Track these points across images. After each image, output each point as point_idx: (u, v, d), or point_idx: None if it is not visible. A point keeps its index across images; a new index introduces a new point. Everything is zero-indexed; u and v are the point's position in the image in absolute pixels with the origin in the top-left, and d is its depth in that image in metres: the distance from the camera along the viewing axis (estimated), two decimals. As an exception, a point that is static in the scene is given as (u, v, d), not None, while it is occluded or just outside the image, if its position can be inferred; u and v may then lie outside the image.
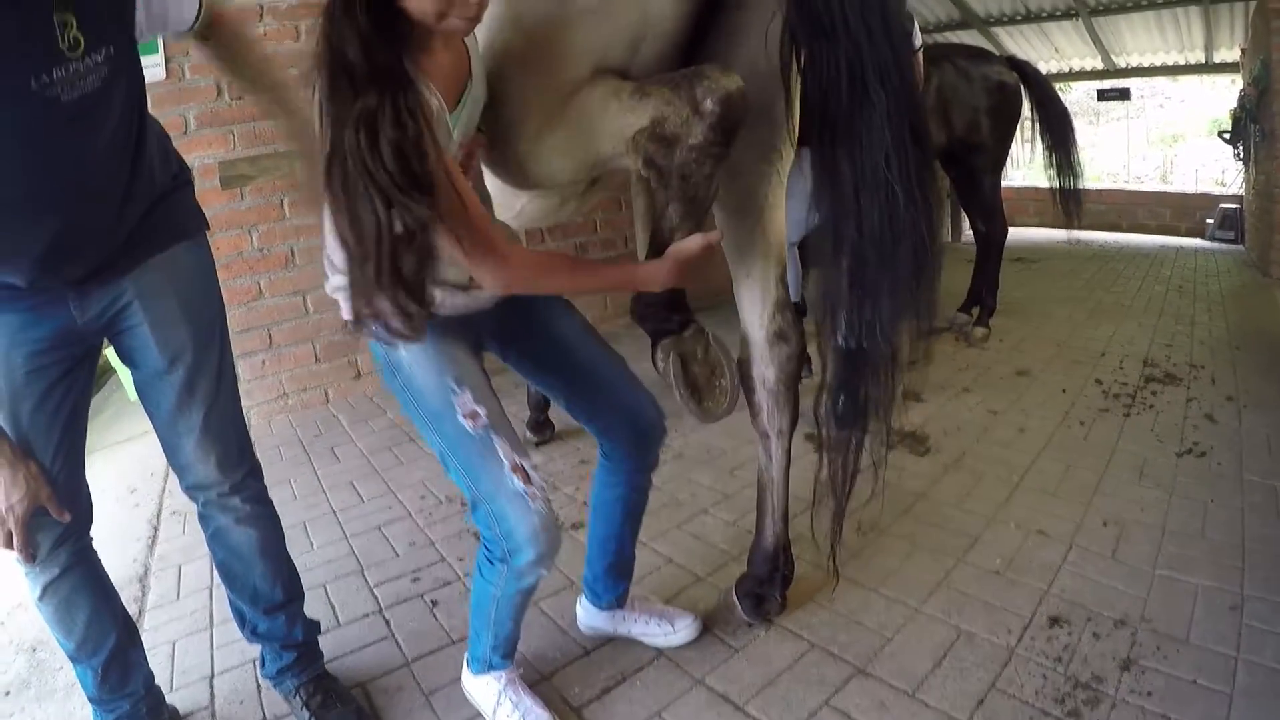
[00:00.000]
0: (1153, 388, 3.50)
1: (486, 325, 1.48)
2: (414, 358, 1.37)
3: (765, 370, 1.77)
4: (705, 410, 1.59)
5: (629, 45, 1.39)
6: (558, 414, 3.39)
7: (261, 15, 3.73)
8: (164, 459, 3.25)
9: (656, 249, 1.43)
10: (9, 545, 1.37)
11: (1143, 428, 3.05)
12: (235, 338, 3.66)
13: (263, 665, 1.79)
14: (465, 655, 1.71)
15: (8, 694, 1.97)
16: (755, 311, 1.77)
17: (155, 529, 2.78)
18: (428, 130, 1.11)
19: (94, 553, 1.55)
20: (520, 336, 1.56)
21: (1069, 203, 4.39)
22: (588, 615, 1.92)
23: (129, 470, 3.23)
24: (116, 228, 1.35)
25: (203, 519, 1.66)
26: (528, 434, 3.17)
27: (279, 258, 3.90)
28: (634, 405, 1.63)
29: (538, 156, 1.45)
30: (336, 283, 1.35)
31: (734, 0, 1.48)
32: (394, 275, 1.12)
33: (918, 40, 3.39)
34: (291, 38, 3.80)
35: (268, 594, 1.70)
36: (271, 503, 1.72)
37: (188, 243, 1.51)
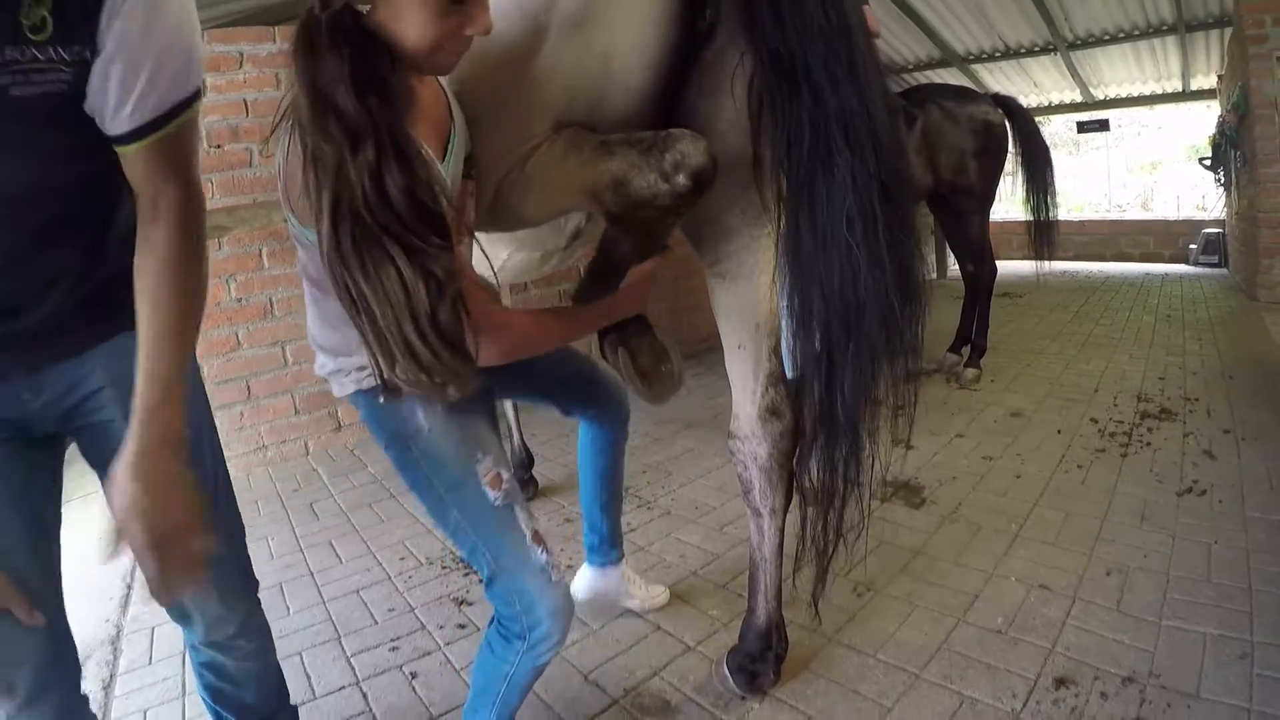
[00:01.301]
0: (1148, 424, 3.47)
1: (493, 375, 1.41)
2: (435, 425, 1.28)
3: (757, 447, 1.69)
4: (655, 394, 1.64)
5: (589, 105, 1.33)
6: (540, 470, 3.34)
7: (241, 62, 3.71)
8: None
9: (604, 272, 1.44)
10: None
11: (1141, 467, 3.01)
12: (213, 389, 3.61)
13: None
14: None
15: None
16: (747, 384, 1.69)
17: (129, 586, 2.69)
18: (434, 171, 1.05)
19: (92, 715, 1.27)
20: (521, 373, 1.48)
21: (1043, 235, 4.43)
22: (593, 580, 2.12)
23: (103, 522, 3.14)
24: (77, 283, 1.11)
25: (194, 650, 1.41)
26: None
27: (258, 308, 3.84)
28: (613, 387, 1.88)
29: (500, 213, 1.39)
30: (327, 364, 1.29)
31: (709, 58, 1.41)
32: (436, 332, 1.02)
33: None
34: (271, 85, 3.77)
35: (257, 708, 1.52)
36: (267, 621, 1.49)
37: None
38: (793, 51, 1.19)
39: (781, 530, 1.75)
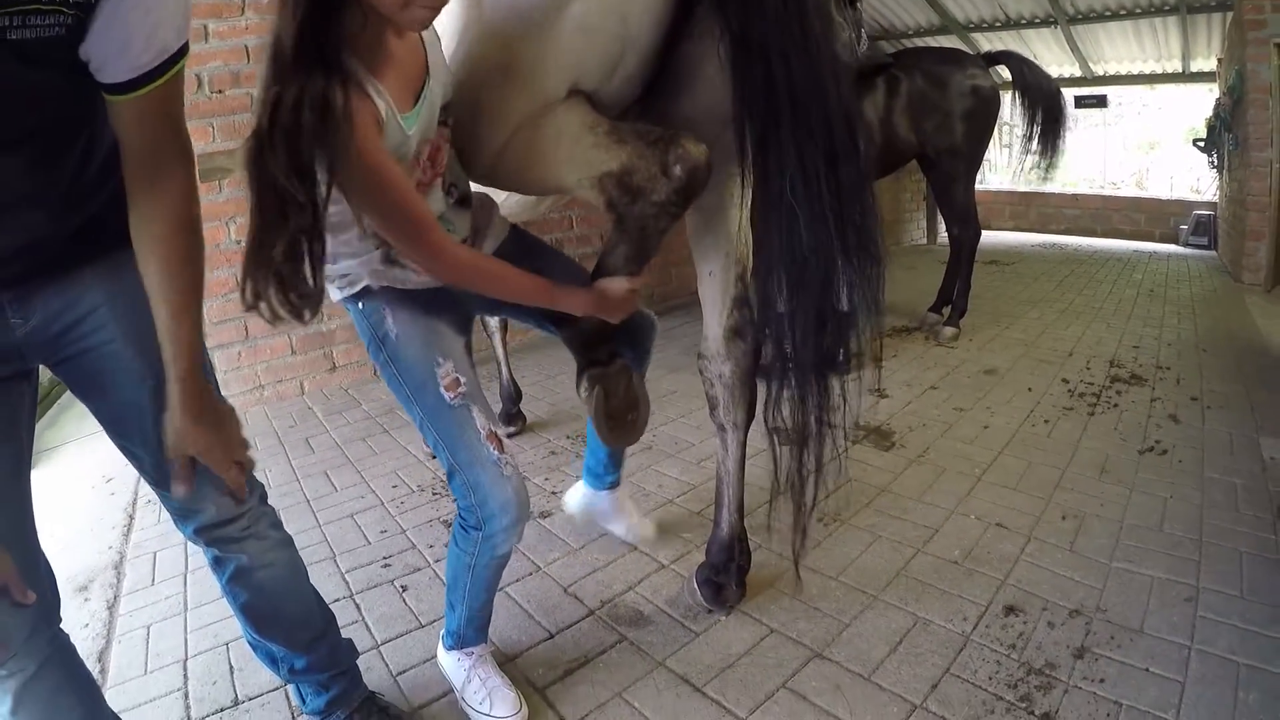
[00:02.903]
0: (1118, 388, 3.56)
1: (473, 296, 1.50)
2: (401, 331, 1.42)
3: (722, 365, 1.82)
4: (614, 437, 1.68)
5: (610, 63, 1.40)
6: (527, 406, 3.43)
7: (243, 9, 3.72)
8: None
9: (595, 276, 1.48)
10: None
11: (1106, 426, 3.10)
12: (211, 329, 3.69)
13: (303, 703, 1.59)
14: (440, 632, 1.74)
15: None
16: (715, 308, 1.81)
17: (131, 516, 2.77)
18: (345, 128, 1.07)
19: (71, 643, 1.26)
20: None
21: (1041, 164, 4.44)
22: (587, 499, 2.21)
23: (106, 459, 3.22)
24: (68, 209, 1.08)
25: (217, 564, 1.39)
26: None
27: None
28: (639, 320, 1.76)
29: (503, 173, 1.47)
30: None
31: (700, 13, 1.46)
32: (283, 259, 1.09)
33: None
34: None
35: (304, 626, 1.50)
36: (286, 532, 1.49)
37: None
38: (753, 31, 1.29)
39: (743, 445, 1.87)
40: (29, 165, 1.00)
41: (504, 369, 3.33)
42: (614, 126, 1.37)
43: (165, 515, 2.58)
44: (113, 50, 0.93)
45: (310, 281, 1.11)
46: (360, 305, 1.43)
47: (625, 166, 1.33)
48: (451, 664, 1.71)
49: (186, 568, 2.35)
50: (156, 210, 1.05)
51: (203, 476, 1.23)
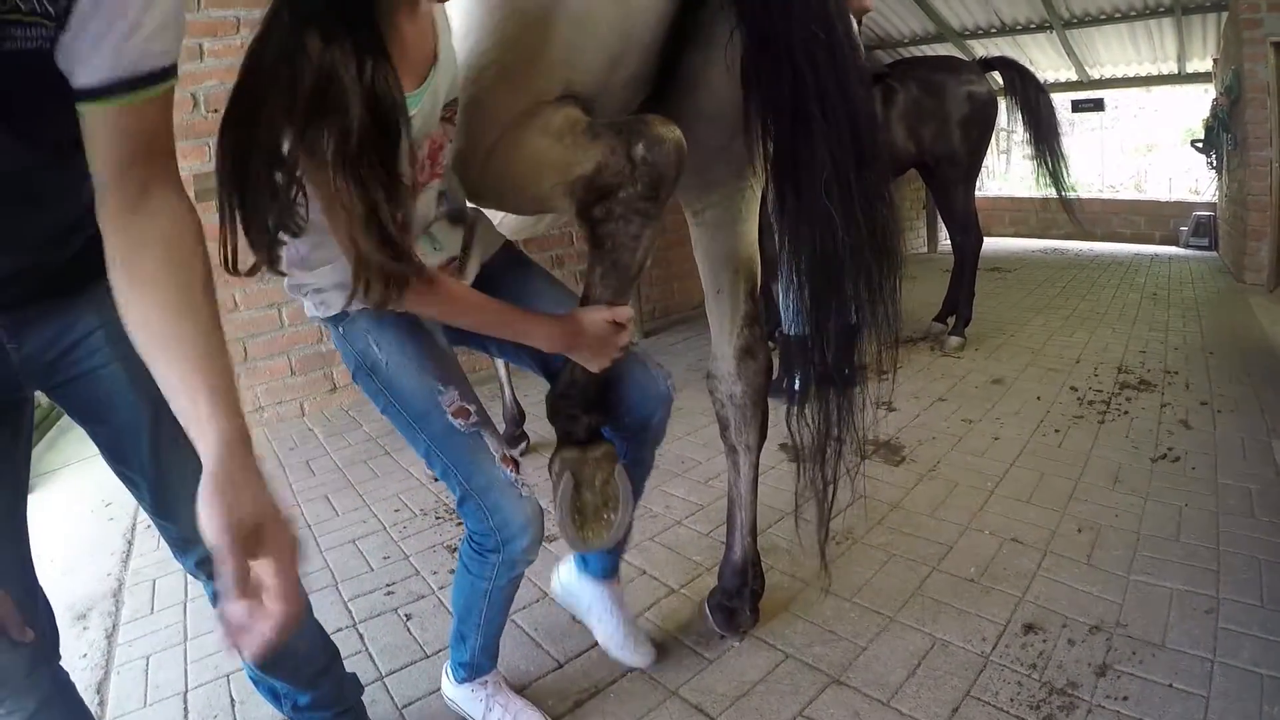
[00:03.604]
0: (1127, 394, 3.54)
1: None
2: (391, 359, 1.35)
3: (733, 385, 1.79)
4: (581, 539, 1.46)
5: (608, 60, 1.35)
6: (531, 427, 3.39)
7: (238, 27, 3.70)
8: None
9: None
10: None
11: (1117, 434, 3.08)
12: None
13: None
14: (445, 666, 1.71)
15: None
16: (725, 326, 1.78)
17: (130, 542, 2.74)
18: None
19: (70, 680, 1.25)
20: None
21: (1056, 178, 4.34)
22: (569, 578, 1.93)
23: (105, 483, 3.19)
24: (62, 236, 1.03)
25: (215, 598, 1.26)
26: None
27: None
28: (643, 381, 1.53)
29: (490, 180, 1.40)
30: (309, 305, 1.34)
31: (705, 17, 1.44)
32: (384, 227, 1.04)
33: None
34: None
35: (307, 662, 1.46)
36: None
37: None
38: (777, 34, 1.25)
39: (756, 467, 1.84)
40: (12, 191, 0.93)
41: (507, 389, 3.28)
42: (591, 124, 1.29)
43: (165, 542, 2.60)
44: (85, 47, 0.80)
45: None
46: (340, 330, 1.37)
47: (598, 165, 1.25)
48: (466, 696, 1.67)
49: (186, 596, 2.32)
50: (150, 229, 0.88)
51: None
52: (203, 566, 1.28)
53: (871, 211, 1.32)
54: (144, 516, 2.84)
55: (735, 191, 1.64)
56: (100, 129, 0.85)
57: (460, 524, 2.60)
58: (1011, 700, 1.65)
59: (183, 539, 1.26)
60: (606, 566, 1.85)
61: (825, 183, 1.27)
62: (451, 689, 1.71)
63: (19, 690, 1.09)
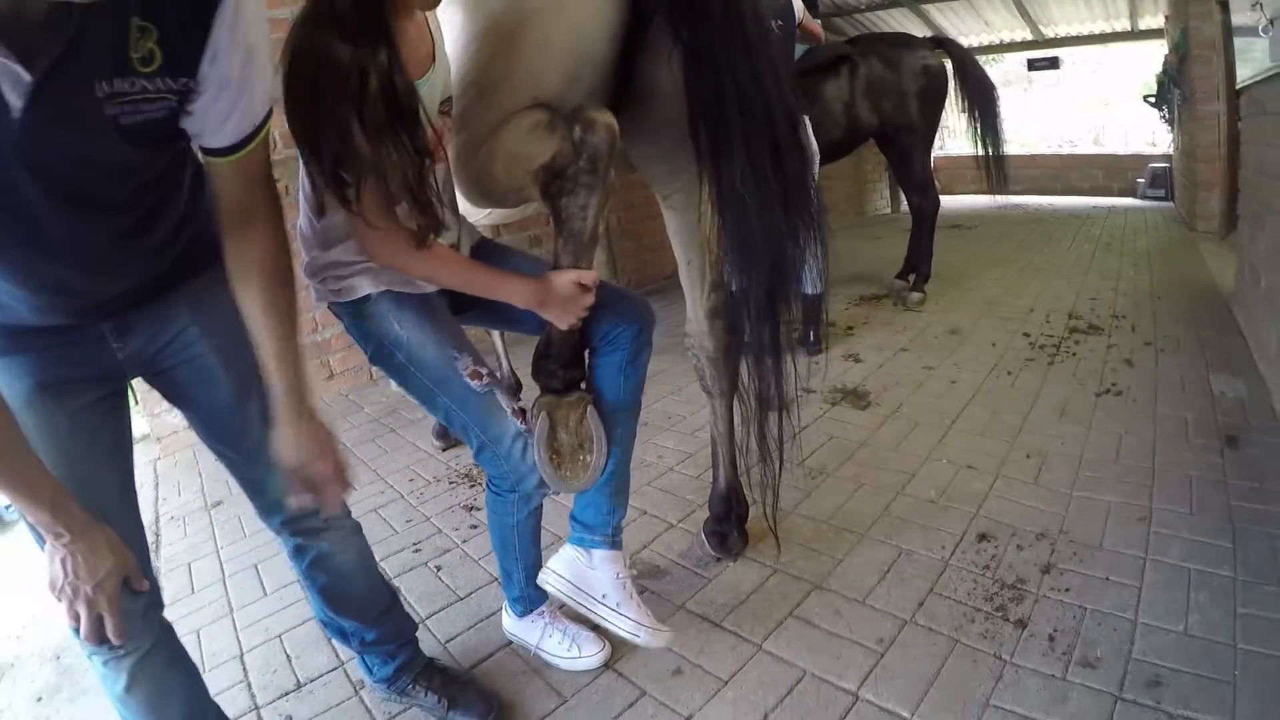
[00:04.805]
0: (1076, 338, 3.78)
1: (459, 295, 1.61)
2: (411, 336, 1.51)
3: (705, 341, 2.02)
4: (560, 479, 1.58)
5: (567, 77, 1.54)
6: (527, 396, 3.58)
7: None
8: (152, 467, 3.20)
9: None
10: (95, 634, 1.14)
11: (1065, 373, 3.33)
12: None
13: (370, 673, 1.75)
14: (504, 605, 1.91)
15: (40, 700, 2.02)
16: (695, 292, 2.01)
17: (157, 534, 2.85)
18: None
19: (172, 626, 1.38)
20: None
21: (995, 169, 4.59)
22: (569, 561, 1.81)
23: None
24: (161, 254, 1.21)
25: (298, 552, 1.53)
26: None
27: None
28: (628, 307, 1.66)
29: (483, 179, 1.59)
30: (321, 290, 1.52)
31: (653, 34, 1.64)
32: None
33: (799, 12, 3.67)
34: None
35: (374, 602, 1.67)
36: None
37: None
38: (698, 40, 1.48)
39: (730, 408, 2.08)
40: (132, 224, 1.13)
41: (504, 361, 3.44)
42: (552, 119, 1.45)
43: (193, 529, 2.81)
44: (211, 125, 1.06)
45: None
46: (357, 313, 1.51)
47: (554, 153, 1.41)
48: (525, 626, 1.87)
49: (224, 574, 2.48)
50: (253, 250, 1.18)
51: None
52: (287, 525, 1.48)
53: (790, 196, 1.54)
54: (166, 510, 3.03)
55: (694, 178, 1.79)
56: (227, 172, 1.13)
57: (473, 486, 2.82)
58: (968, 595, 1.91)
59: (271, 502, 1.41)
60: (612, 527, 1.79)
61: (741, 171, 1.50)
62: (512, 623, 1.91)
63: (137, 632, 1.22)
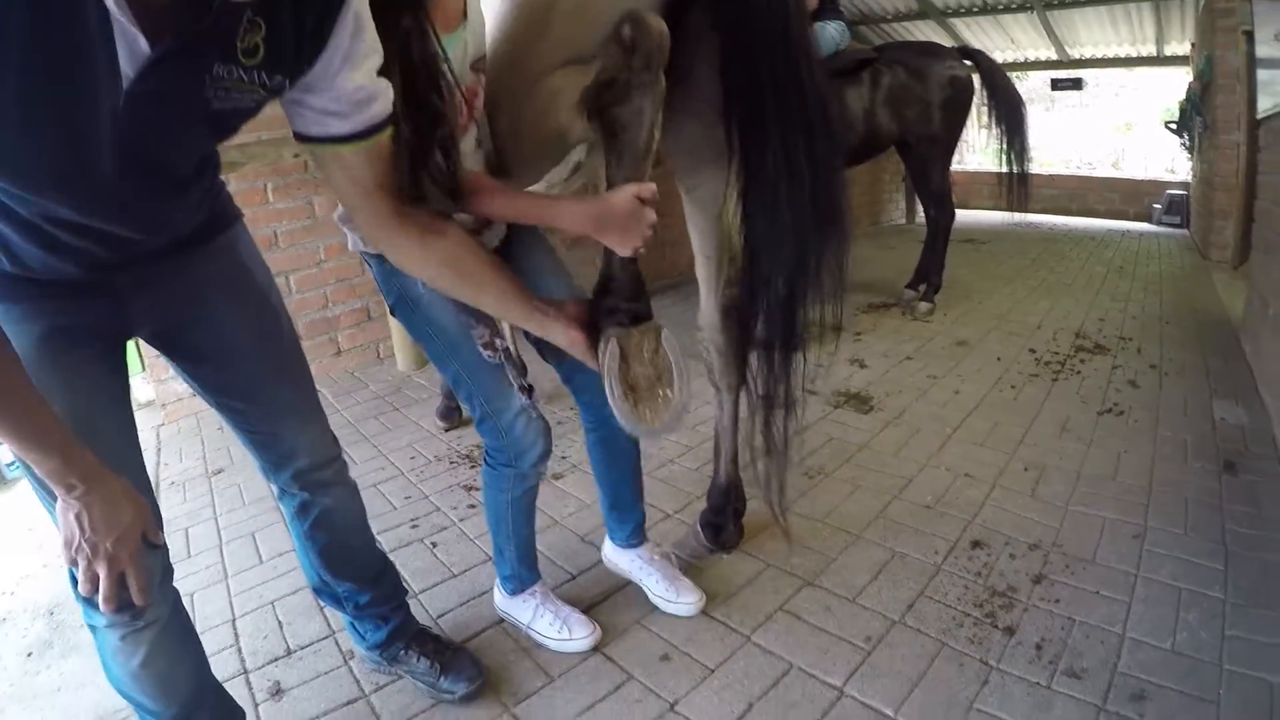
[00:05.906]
0: (1082, 357, 3.77)
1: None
2: (430, 296, 1.53)
3: (716, 335, 2.04)
4: (638, 416, 1.37)
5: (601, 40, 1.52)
6: (533, 378, 3.60)
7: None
8: (155, 433, 3.24)
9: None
10: (117, 598, 1.07)
11: (1069, 391, 3.33)
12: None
13: (362, 639, 1.76)
14: (496, 583, 1.94)
15: (30, 655, 2.03)
16: (710, 286, 2.02)
17: (156, 499, 2.84)
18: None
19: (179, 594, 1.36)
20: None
21: (1016, 186, 4.56)
22: (608, 551, 2.10)
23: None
24: (193, 213, 1.23)
25: (302, 509, 1.54)
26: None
27: (262, 240, 3.97)
28: None
29: (518, 129, 1.56)
30: (356, 241, 1.53)
31: (687, 34, 1.60)
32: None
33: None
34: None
35: (369, 564, 1.69)
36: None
37: (239, 221, 1.37)
38: (739, 32, 1.48)
39: (736, 404, 2.09)
40: (178, 191, 1.15)
41: (512, 342, 3.45)
42: (592, 62, 1.40)
43: (193, 495, 2.82)
44: (317, 114, 1.10)
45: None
46: (385, 264, 1.43)
47: (600, 69, 1.35)
48: (516, 605, 1.90)
49: (220, 540, 2.50)
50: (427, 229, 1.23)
51: (300, 426, 1.44)
52: (297, 478, 1.49)
53: (818, 179, 1.53)
54: (167, 475, 3.06)
55: (720, 170, 1.79)
56: (351, 162, 1.14)
57: (474, 466, 2.85)
58: (959, 599, 1.93)
59: (280, 457, 1.46)
60: (628, 534, 2.02)
61: (773, 161, 1.50)
62: (503, 600, 1.93)
63: (157, 597, 1.19)
